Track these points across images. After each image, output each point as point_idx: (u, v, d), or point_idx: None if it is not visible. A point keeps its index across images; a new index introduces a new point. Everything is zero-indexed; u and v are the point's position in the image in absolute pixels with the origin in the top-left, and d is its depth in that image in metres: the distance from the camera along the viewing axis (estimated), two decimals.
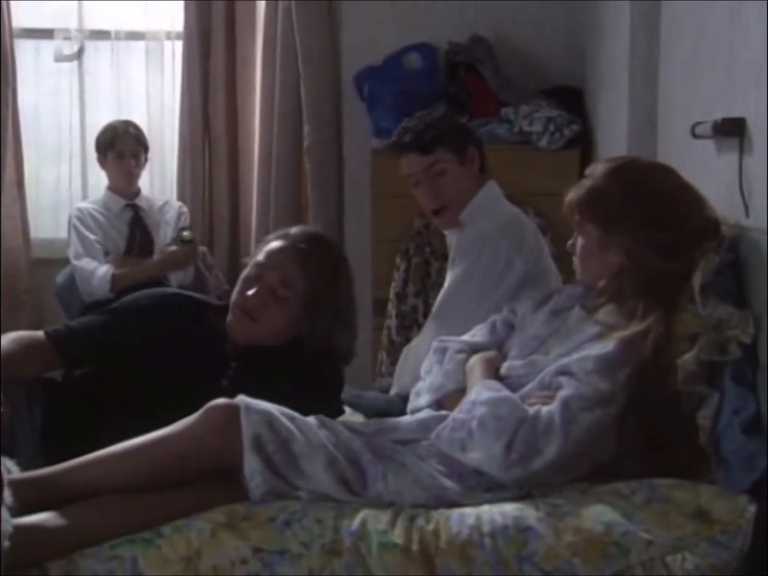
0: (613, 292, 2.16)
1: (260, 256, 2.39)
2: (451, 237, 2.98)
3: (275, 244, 2.39)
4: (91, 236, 4.07)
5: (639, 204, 2.11)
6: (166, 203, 4.31)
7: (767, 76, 2.24)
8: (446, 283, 2.90)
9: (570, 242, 2.26)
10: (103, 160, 4.20)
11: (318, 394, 2.24)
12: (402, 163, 2.93)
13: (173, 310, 2.40)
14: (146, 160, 4.26)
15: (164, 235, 4.20)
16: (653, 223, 2.08)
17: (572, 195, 2.20)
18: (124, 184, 4.20)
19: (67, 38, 4.60)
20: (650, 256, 2.07)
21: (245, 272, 2.39)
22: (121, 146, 4.13)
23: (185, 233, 4.08)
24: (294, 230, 2.43)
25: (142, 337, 2.30)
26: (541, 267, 2.83)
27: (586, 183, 2.19)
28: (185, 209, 4.33)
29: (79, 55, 4.63)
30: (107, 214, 4.16)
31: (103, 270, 3.96)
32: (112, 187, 4.22)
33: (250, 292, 2.33)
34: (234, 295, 2.38)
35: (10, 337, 2.25)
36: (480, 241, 2.80)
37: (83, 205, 4.22)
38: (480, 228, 2.83)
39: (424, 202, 2.91)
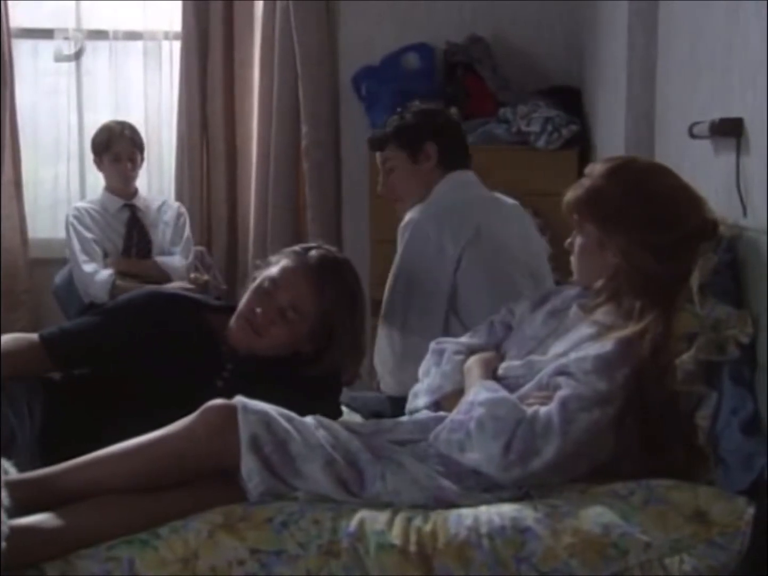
0: (611, 291, 2.16)
1: (275, 271, 2.33)
2: None
3: (292, 264, 2.33)
4: (89, 235, 4.06)
5: (638, 204, 2.10)
6: (164, 203, 4.30)
7: (766, 76, 2.24)
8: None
9: (568, 241, 2.25)
10: (99, 162, 4.20)
11: (315, 396, 2.24)
12: None
13: (168, 310, 2.38)
14: (143, 160, 4.25)
15: (162, 236, 4.19)
16: (652, 223, 2.08)
17: (571, 195, 2.20)
18: (121, 186, 4.19)
19: (66, 38, 4.60)
20: (648, 256, 2.07)
21: (257, 283, 2.34)
22: (117, 149, 4.11)
23: (198, 276, 4.13)
24: (314, 252, 2.36)
25: (138, 337, 2.28)
26: (483, 251, 2.77)
27: (585, 183, 2.19)
28: (184, 209, 4.32)
29: (78, 55, 4.63)
30: (105, 214, 4.15)
31: (104, 275, 3.95)
32: (109, 188, 4.21)
33: (259, 310, 2.29)
34: (242, 304, 2.34)
35: (5, 339, 2.25)
36: (407, 232, 2.83)
37: (81, 204, 4.22)
38: (408, 218, 2.86)
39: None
